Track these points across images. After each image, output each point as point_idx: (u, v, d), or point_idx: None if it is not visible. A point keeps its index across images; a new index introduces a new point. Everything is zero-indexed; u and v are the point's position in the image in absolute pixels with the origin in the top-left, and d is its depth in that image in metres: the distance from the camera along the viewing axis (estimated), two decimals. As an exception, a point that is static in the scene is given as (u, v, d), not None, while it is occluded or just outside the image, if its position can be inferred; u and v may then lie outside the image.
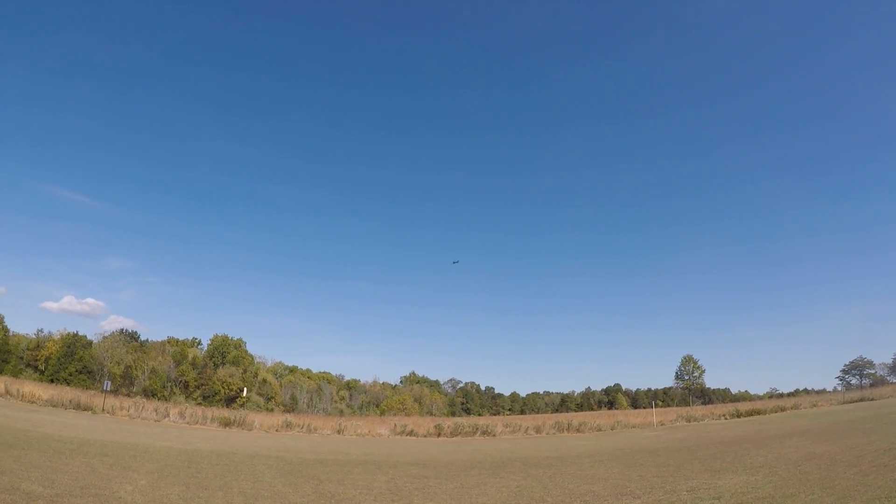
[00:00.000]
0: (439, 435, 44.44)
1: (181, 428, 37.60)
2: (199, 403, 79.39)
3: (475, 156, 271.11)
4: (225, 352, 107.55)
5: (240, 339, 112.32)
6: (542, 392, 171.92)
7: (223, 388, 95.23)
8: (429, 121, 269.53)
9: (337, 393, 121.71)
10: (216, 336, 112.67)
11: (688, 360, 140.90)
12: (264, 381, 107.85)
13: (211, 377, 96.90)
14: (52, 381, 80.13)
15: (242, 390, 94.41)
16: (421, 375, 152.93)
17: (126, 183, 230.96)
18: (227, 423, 42.46)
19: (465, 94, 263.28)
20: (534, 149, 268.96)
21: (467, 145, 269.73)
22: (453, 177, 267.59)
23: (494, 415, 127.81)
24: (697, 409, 69.28)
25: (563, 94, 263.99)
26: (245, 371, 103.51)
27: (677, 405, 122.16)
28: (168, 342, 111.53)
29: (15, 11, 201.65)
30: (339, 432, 43.50)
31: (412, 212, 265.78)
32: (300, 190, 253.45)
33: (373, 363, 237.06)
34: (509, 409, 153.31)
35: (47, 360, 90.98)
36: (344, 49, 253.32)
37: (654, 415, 55.48)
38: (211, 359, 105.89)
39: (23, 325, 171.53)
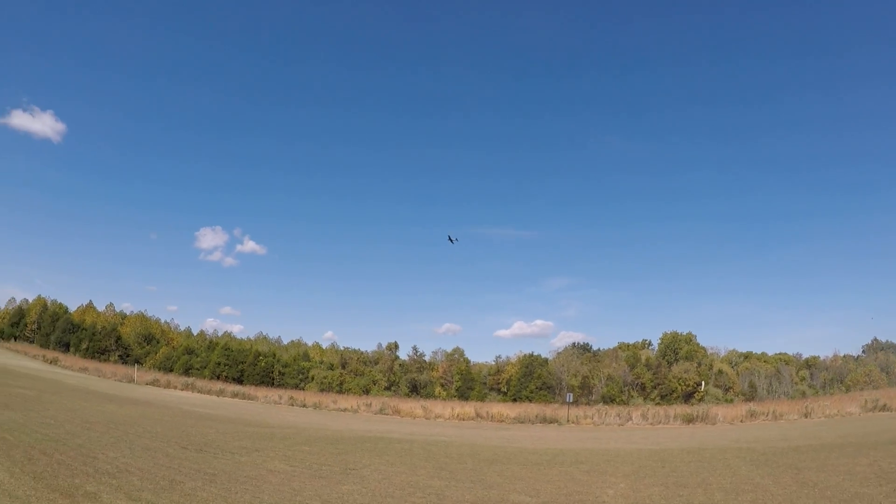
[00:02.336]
0: (919, 408, 41.42)
1: (645, 430, 38.92)
2: (658, 403, 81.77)
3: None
4: (677, 348, 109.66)
5: (690, 334, 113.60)
6: None
7: (679, 384, 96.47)
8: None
9: (797, 373, 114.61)
10: (665, 334, 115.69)
11: None
12: (720, 371, 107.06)
13: (666, 375, 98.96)
14: (514, 399, 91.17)
15: (700, 384, 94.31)
16: (884, 340, 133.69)
17: (543, 204, 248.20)
18: (689, 420, 43.88)
19: None
20: None
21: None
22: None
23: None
24: None
25: None
26: (699, 364, 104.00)
27: None
28: (619, 348, 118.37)
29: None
30: (805, 416, 42.98)
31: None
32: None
33: (830, 335, 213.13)
34: None
35: (508, 381, 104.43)
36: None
37: None
38: (664, 357, 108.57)
39: (481, 355, 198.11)
